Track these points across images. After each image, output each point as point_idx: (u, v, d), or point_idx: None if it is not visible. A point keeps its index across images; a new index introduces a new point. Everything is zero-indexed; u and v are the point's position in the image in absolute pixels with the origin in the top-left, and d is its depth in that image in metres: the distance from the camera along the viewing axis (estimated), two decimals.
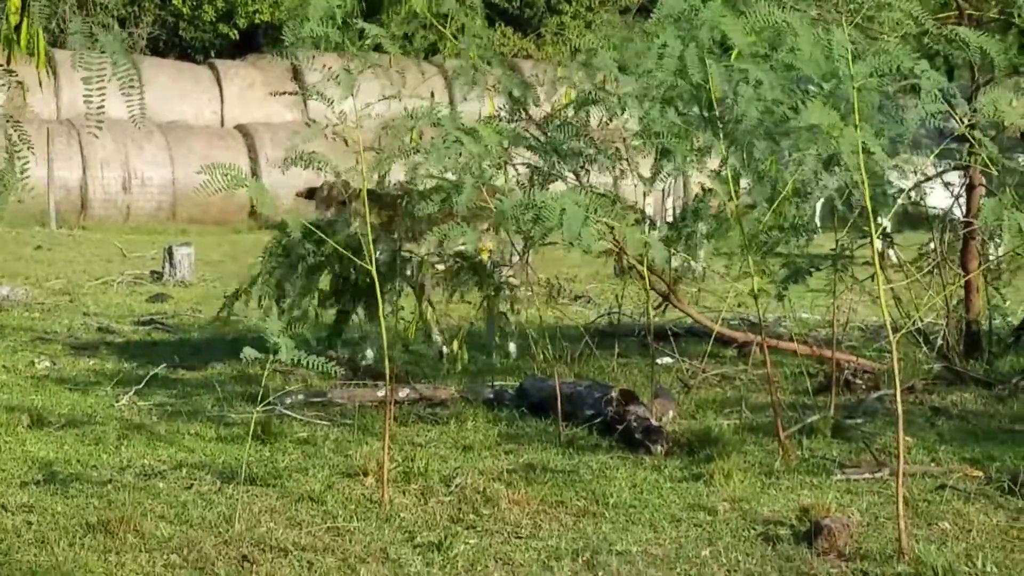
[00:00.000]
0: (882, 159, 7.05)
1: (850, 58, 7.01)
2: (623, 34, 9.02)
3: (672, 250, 9.97)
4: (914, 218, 10.78)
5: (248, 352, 7.08)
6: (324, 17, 7.35)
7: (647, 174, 9.68)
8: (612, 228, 8.73)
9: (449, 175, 9.43)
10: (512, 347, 11.31)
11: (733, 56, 8.08)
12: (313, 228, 8.84)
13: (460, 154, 8.00)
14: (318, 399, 9.96)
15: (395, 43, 8.25)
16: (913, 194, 10.63)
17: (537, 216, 7.79)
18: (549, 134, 9.79)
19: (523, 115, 10.18)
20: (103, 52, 6.89)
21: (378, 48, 8.14)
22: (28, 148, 6.80)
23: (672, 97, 8.14)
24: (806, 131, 7.58)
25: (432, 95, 10.03)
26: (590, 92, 9.37)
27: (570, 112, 9.85)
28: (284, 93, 8.61)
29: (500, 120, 9.79)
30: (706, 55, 7.99)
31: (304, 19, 7.34)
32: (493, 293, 10.91)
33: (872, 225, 7.20)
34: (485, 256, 10.81)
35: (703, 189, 9.86)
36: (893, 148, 7.63)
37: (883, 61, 7.09)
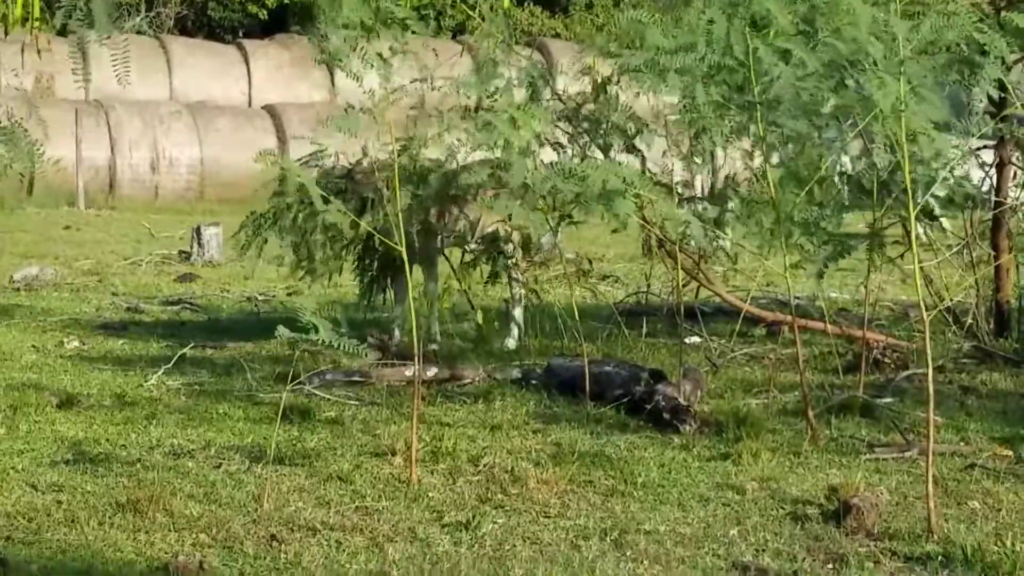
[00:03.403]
0: (939, 139, 7.04)
1: (901, 32, 7.00)
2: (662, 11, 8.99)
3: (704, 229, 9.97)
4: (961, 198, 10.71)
5: (282, 331, 7.09)
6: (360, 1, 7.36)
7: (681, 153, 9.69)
8: (642, 206, 8.72)
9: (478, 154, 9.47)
10: (512, 342, 11.33)
11: (772, 34, 8.04)
12: (342, 209, 8.82)
13: (504, 139, 8.04)
14: (348, 379, 9.96)
15: (426, 23, 8.24)
16: (956, 172, 10.59)
17: (579, 188, 7.80)
18: (589, 111, 9.80)
19: (551, 96, 10.18)
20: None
21: (406, 27, 8.13)
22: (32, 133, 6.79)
23: (713, 74, 8.12)
24: (861, 108, 7.55)
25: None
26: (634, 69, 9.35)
27: (613, 90, 9.87)
28: (306, 65, 8.73)
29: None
30: (749, 32, 7.97)
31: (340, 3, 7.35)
32: (513, 272, 10.96)
33: (911, 204, 7.18)
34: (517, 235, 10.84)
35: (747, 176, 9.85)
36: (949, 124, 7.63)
37: (944, 25, 7.11)
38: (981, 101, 7.55)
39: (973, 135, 7.82)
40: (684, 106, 8.33)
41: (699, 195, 11.14)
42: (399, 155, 9.60)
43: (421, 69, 9.11)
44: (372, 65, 7.48)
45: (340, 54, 7.60)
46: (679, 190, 10.76)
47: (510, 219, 10.74)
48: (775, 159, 8.47)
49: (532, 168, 8.89)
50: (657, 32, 8.38)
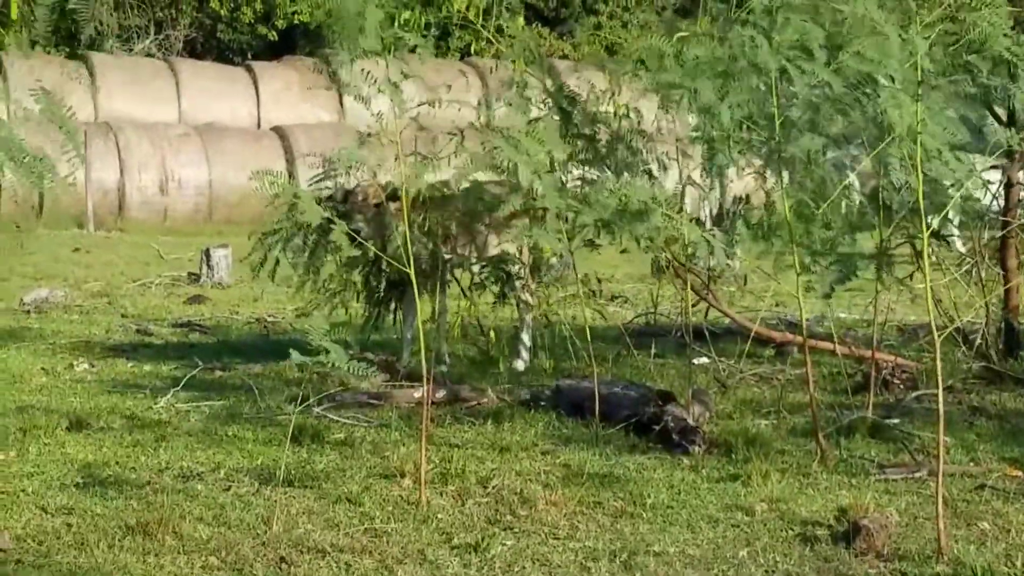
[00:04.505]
0: (953, 161, 7.06)
1: (920, 54, 7.03)
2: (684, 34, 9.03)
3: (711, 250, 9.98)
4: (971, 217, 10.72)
5: (296, 356, 7.10)
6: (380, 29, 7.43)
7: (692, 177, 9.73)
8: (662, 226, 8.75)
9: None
10: (520, 363, 11.33)
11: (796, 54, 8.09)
12: (353, 234, 8.83)
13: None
14: (356, 401, 9.96)
15: (430, 44, 8.26)
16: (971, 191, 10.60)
17: (623, 206, 7.89)
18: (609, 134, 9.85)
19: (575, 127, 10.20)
20: None
21: (413, 48, 8.16)
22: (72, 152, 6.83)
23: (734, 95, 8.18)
24: (876, 129, 7.60)
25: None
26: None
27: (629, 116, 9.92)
28: (315, 87, 8.84)
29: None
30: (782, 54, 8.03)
31: (360, 31, 7.38)
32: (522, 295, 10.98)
33: (924, 224, 7.18)
34: (548, 255, 10.86)
35: (745, 197, 9.87)
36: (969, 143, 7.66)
37: (975, 35, 7.16)
38: (1009, 108, 7.59)
39: (993, 153, 7.85)
40: (701, 125, 8.37)
41: (708, 216, 11.16)
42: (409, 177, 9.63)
43: (430, 91, 9.14)
44: (380, 90, 7.54)
45: (351, 80, 7.63)
46: (688, 212, 10.78)
47: (530, 242, 10.78)
48: (788, 180, 8.48)
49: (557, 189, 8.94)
50: (698, 48, 8.42)
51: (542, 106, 10.25)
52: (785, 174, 8.41)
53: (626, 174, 9.96)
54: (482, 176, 9.99)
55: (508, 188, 9.55)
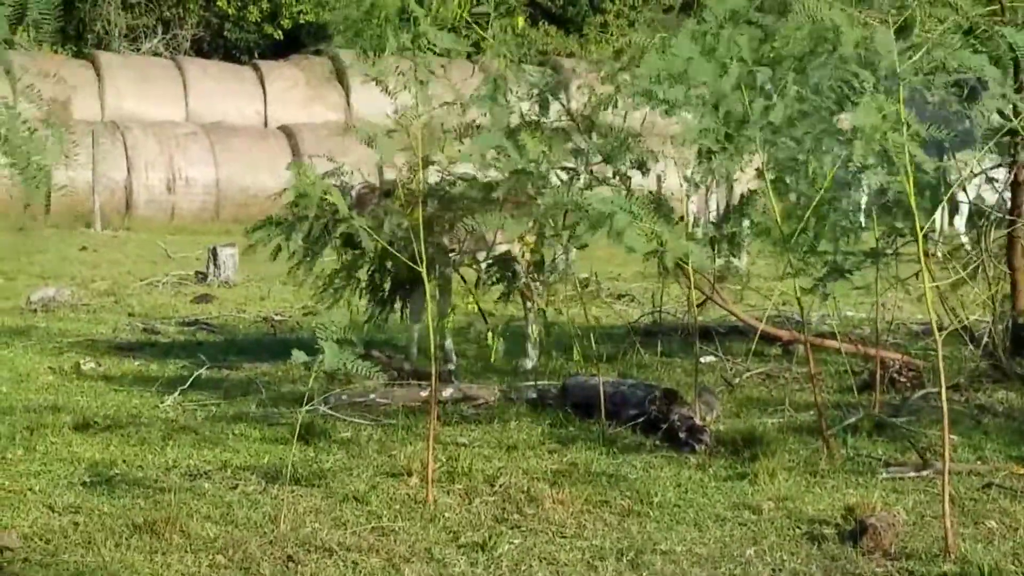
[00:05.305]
0: (923, 161, 7.04)
1: (896, 56, 7.01)
2: (668, 34, 9.01)
3: (716, 250, 9.96)
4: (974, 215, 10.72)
5: (297, 355, 7.11)
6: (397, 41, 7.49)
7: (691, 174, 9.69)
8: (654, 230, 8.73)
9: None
10: (529, 362, 11.32)
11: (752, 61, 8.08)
12: (367, 230, 8.82)
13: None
14: (362, 399, 9.96)
15: (461, 44, 8.26)
16: (969, 191, 10.57)
17: (587, 219, 7.87)
18: (595, 137, 9.81)
19: (565, 115, 10.17)
20: None
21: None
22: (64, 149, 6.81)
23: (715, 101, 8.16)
24: (853, 132, 7.57)
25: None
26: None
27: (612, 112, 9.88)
28: (322, 86, 8.78)
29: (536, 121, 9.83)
30: (740, 61, 8.01)
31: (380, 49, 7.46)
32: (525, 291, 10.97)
33: (917, 222, 7.17)
34: (527, 251, 10.85)
35: (748, 191, 9.85)
36: (954, 144, 7.63)
37: (937, 57, 7.12)
38: (986, 120, 7.56)
39: (978, 156, 7.82)
40: (686, 128, 8.37)
41: (712, 215, 11.13)
42: (416, 173, 9.63)
43: (442, 89, 9.14)
44: (405, 88, 7.60)
45: (381, 75, 7.67)
46: (691, 211, 10.75)
47: (522, 239, 10.77)
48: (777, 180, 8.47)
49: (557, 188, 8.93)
50: (656, 58, 8.40)
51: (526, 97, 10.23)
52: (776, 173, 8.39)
53: (622, 167, 9.94)
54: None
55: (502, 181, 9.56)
